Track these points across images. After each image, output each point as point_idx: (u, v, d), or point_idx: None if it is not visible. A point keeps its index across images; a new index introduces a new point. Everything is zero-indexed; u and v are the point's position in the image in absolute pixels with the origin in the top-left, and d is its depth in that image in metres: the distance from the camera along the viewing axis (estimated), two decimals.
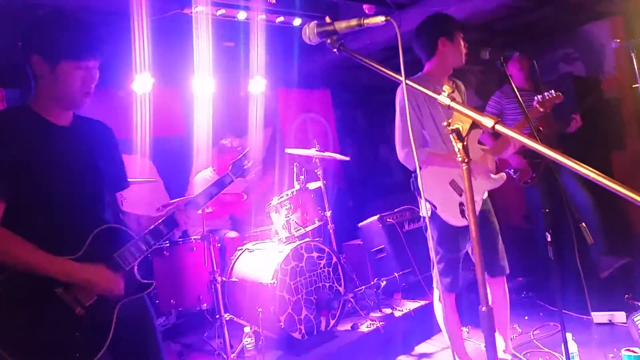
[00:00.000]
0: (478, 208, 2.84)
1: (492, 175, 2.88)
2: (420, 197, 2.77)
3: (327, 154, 4.33)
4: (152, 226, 1.97)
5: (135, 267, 1.92)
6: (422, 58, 2.96)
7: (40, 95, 1.84)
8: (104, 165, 1.95)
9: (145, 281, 1.96)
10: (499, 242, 2.95)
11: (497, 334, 2.99)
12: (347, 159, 4.43)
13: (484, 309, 1.47)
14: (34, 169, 1.74)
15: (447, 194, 2.76)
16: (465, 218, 2.73)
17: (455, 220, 2.74)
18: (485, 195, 2.97)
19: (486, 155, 2.87)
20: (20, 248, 1.68)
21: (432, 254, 2.81)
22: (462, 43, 2.84)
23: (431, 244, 2.84)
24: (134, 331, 1.93)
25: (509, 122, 3.97)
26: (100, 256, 1.82)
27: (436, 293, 2.99)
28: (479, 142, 2.99)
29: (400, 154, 2.80)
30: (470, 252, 2.93)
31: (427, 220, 2.85)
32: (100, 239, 1.83)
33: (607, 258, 4.16)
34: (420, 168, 2.80)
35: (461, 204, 2.74)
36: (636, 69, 3.73)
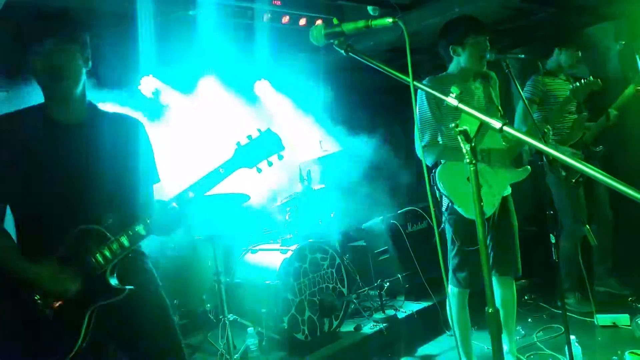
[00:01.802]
0: (497, 203, 2.84)
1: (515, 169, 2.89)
2: (439, 191, 2.79)
3: (330, 151, 4.33)
4: (129, 227, 1.82)
5: (109, 272, 1.81)
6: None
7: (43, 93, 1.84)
8: (120, 161, 1.89)
9: (118, 286, 1.82)
10: (515, 243, 2.96)
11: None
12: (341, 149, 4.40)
13: (490, 310, 1.47)
14: (25, 169, 1.75)
15: (464, 189, 2.75)
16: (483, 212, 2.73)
17: (470, 214, 2.75)
18: (509, 191, 2.97)
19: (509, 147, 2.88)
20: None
21: (449, 249, 2.88)
22: (476, 47, 2.82)
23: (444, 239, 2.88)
24: (152, 331, 1.92)
25: (545, 112, 3.89)
26: (75, 258, 1.77)
27: (450, 289, 2.98)
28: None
29: (418, 150, 2.87)
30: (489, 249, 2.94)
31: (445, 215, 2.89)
32: (80, 240, 1.79)
33: (611, 279, 4.15)
34: (440, 162, 2.83)
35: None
36: None
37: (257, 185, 4.58)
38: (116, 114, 2.01)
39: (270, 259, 3.78)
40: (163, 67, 4.25)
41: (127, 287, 1.82)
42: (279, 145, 1.94)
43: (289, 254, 3.64)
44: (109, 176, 1.86)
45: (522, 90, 3.02)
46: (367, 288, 4.30)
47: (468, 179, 2.72)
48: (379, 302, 4.10)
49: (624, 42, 4.04)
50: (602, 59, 4.86)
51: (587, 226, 3.22)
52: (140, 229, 1.81)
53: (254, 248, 4.09)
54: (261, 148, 1.92)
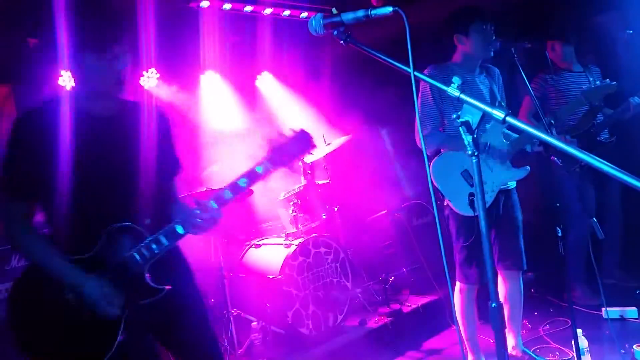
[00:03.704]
0: (491, 200, 2.81)
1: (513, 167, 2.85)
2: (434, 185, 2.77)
3: (333, 144, 4.30)
4: (167, 226, 1.80)
5: (146, 271, 1.79)
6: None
7: (78, 86, 1.83)
8: (148, 154, 1.87)
9: (155, 286, 1.80)
10: (519, 236, 2.93)
11: (507, 330, 2.95)
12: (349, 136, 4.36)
13: (493, 304, 1.44)
14: (62, 163, 1.72)
15: (457, 183, 2.73)
16: (474, 209, 2.71)
17: (463, 209, 2.73)
18: (513, 185, 2.94)
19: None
20: (37, 249, 1.73)
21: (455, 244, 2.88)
22: (481, 34, 2.78)
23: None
24: (188, 321, 1.93)
25: (554, 108, 3.87)
26: (110, 257, 1.76)
27: (457, 285, 2.96)
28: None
29: (417, 138, 2.85)
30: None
31: (445, 209, 2.86)
32: (114, 238, 1.77)
33: (619, 272, 4.12)
34: (438, 153, 2.81)
35: (471, 194, 2.71)
36: None
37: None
38: (137, 105, 1.98)
39: (273, 253, 3.76)
40: (164, 60, 4.23)
41: (164, 287, 1.80)
42: (310, 144, 1.95)
43: (293, 248, 3.62)
44: (142, 169, 1.85)
45: (528, 82, 2.98)
46: (372, 282, 4.27)
47: (462, 173, 2.74)
48: (384, 296, 4.08)
49: (631, 31, 3.96)
50: (610, 48, 4.79)
51: (594, 219, 3.17)
52: (179, 228, 1.80)
53: (257, 242, 4.07)
54: (294, 147, 1.91)
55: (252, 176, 1.86)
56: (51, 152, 1.71)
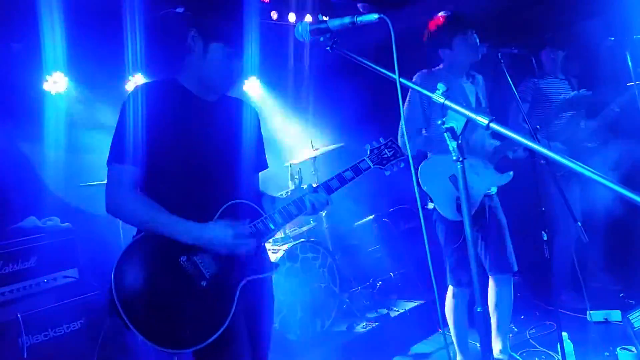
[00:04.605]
0: (477, 205, 2.83)
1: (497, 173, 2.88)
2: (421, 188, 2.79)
3: (321, 149, 4.31)
4: (283, 206, 1.93)
5: (263, 246, 1.92)
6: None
7: (189, 71, 1.87)
8: (242, 144, 1.97)
9: (272, 262, 1.91)
10: (506, 239, 2.94)
11: (495, 334, 2.97)
12: (342, 144, 4.40)
13: (479, 309, 1.45)
14: (172, 138, 1.78)
15: (444, 188, 2.75)
16: (461, 213, 2.73)
17: (449, 214, 2.75)
18: (494, 190, 2.96)
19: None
20: (148, 210, 1.73)
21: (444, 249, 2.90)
22: (465, 43, 2.81)
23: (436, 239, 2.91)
24: (268, 314, 1.99)
25: (544, 111, 3.94)
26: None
27: (450, 289, 2.97)
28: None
29: (399, 141, 2.85)
30: (479, 247, 2.94)
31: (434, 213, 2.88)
32: (231, 213, 1.82)
33: (603, 275, 4.17)
34: (425, 157, 2.83)
35: (458, 199, 2.73)
36: (630, 67, 3.72)
37: None
38: (237, 99, 2.09)
39: None
40: (151, 65, 4.20)
41: (277, 264, 1.93)
42: (401, 153, 2.23)
43: (281, 253, 3.61)
44: (237, 154, 1.94)
45: (514, 87, 3.05)
46: (359, 287, 4.27)
47: (450, 178, 2.76)
48: (372, 301, 4.08)
49: (613, 38, 4.02)
50: (592, 55, 4.86)
51: (579, 223, 3.22)
52: (293, 208, 1.93)
53: None
54: (389, 153, 2.21)
55: (356, 170, 2.11)
56: (161, 123, 1.77)
